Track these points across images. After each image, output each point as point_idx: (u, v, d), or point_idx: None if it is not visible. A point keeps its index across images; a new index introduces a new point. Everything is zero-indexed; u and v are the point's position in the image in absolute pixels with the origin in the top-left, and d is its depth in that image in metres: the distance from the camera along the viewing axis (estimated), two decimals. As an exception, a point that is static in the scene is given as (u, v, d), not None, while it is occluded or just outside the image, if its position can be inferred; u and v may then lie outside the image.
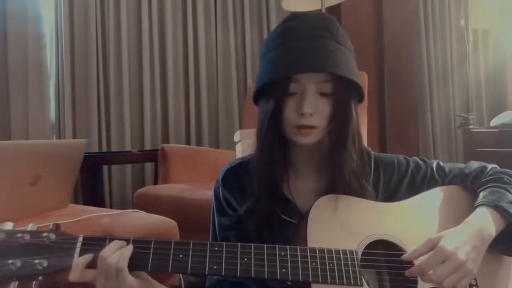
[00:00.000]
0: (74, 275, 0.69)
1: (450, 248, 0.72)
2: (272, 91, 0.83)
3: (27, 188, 1.32)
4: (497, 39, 3.81)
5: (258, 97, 0.89)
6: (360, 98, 0.88)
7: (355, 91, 0.86)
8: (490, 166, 0.92)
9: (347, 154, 0.84)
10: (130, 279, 0.70)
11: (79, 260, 0.70)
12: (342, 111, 0.83)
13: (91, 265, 0.71)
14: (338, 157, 0.84)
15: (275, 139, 0.85)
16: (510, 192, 0.83)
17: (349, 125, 0.84)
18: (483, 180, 0.88)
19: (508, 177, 0.87)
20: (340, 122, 0.84)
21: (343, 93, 0.83)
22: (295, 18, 0.85)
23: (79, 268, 0.69)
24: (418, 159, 0.96)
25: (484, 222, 0.79)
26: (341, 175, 0.84)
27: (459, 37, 3.65)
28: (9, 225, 0.70)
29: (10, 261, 0.67)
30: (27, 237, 0.69)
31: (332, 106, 0.83)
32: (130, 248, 0.72)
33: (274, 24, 3.27)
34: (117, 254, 0.70)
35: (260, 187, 0.87)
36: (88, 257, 0.70)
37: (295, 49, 0.81)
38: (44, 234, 0.71)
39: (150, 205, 1.91)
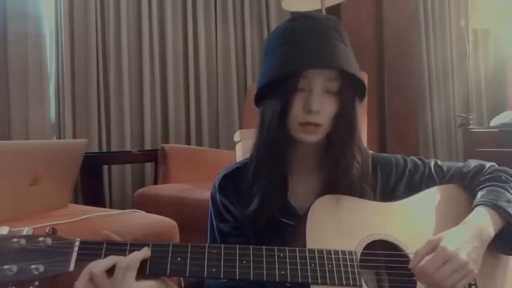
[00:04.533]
0: (80, 284, 0.67)
1: (451, 249, 0.72)
2: (280, 87, 0.82)
3: (27, 188, 1.32)
4: (497, 39, 3.81)
5: (261, 95, 0.87)
6: (361, 99, 0.89)
7: (358, 91, 0.86)
8: (488, 164, 0.92)
9: (352, 154, 0.84)
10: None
11: (97, 269, 0.67)
12: (348, 110, 0.83)
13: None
14: (343, 158, 0.84)
15: (283, 136, 0.84)
16: (508, 191, 0.83)
17: (354, 124, 0.84)
18: (481, 179, 0.88)
19: (506, 175, 0.87)
20: (345, 122, 0.84)
21: (349, 92, 0.83)
22: (301, 18, 0.85)
23: (101, 275, 0.67)
24: (416, 159, 0.96)
25: (483, 222, 0.79)
26: (346, 176, 0.84)
27: (459, 37, 3.64)
28: (4, 230, 0.69)
29: (6, 267, 0.66)
30: (23, 242, 0.68)
31: (338, 104, 0.83)
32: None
33: (274, 24, 3.27)
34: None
35: (259, 186, 0.86)
36: (109, 262, 0.69)
37: (307, 45, 0.81)
38: (41, 239, 0.69)
39: (150, 205, 1.91)
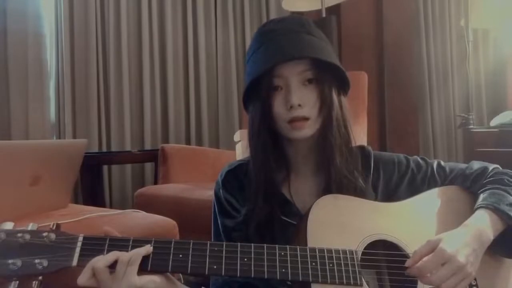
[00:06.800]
0: (83, 279, 0.68)
1: (450, 250, 0.72)
2: (258, 90, 0.84)
3: (27, 188, 1.32)
4: (497, 39, 3.81)
5: (247, 103, 0.90)
6: (345, 88, 0.89)
7: (337, 78, 0.87)
8: (491, 167, 0.91)
9: (334, 138, 0.84)
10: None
11: (100, 263, 0.68)
12: (325, 96, 0.84)
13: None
14: (332, 152, 0.85)
15: (267, 139, 0.86)
16: (510, 194, 0.82)
17: (331, 110, 0.84)
18: (484, 181, 0.88)
19: (509, 178, 0.86)
20: (326, 109, 0.84)
21: (323, 78, 0.84)
22: (270, 22, 0.88)
23: (103, 270, 0.68)
24: (418, 158, 0.96)
25: (483, 225, 0.78)
26: (339, 172, 0.84)
27: (459, 37, 3.65)
28: (9, 225, 0.70)
29: (10, 261, 0.67)
30: (27, 236, 0.69)
31: (318, 94, 0.84)
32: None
33: (274, 24, 3.27)
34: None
35: (257, 188, 0.87)
36: (112, 257, 0.69)
37: (272, 45, 0.83)
38: (44, 234, 0.70)
39: (150, 205, 1.91)
